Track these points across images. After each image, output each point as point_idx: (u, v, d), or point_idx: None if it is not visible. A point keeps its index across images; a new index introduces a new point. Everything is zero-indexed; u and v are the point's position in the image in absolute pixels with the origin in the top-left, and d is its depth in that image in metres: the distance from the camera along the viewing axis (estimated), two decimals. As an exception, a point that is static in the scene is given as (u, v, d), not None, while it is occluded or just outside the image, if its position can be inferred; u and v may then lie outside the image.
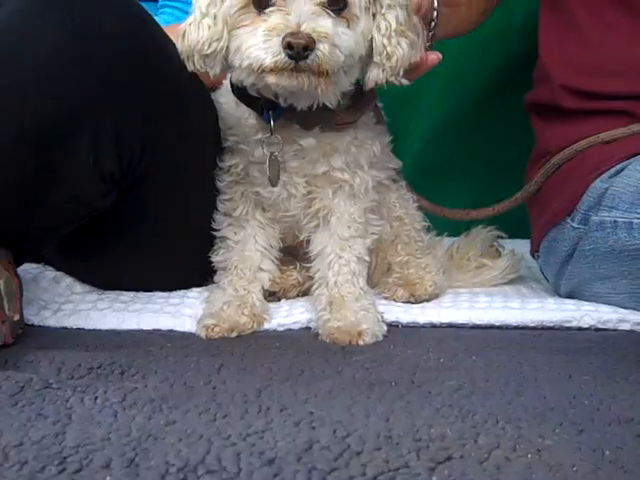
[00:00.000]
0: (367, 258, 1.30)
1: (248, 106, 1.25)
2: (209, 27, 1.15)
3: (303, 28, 1.07)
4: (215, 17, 1.15)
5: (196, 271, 1.36)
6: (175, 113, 1.21)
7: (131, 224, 1.27)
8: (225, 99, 1.29)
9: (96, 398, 0.88)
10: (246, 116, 1.26)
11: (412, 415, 0.84)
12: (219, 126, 1.28)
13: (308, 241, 1.32)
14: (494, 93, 2.00)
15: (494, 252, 1.60)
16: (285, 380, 0.98)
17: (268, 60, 1.08)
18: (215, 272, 1.34)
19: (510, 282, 1.56)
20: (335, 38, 1.09)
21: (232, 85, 1.27)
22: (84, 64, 1.06)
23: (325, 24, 1.09)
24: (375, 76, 1.19)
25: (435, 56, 1.22)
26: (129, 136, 1.14)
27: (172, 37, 1.20)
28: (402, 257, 1.42)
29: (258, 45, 1.09)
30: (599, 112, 1.39)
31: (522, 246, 1.61)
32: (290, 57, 1.07)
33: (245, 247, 1.31)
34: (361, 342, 1.18)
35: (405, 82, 1.20)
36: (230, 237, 1.31)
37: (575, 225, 1.35)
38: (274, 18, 1.09)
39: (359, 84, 1.25)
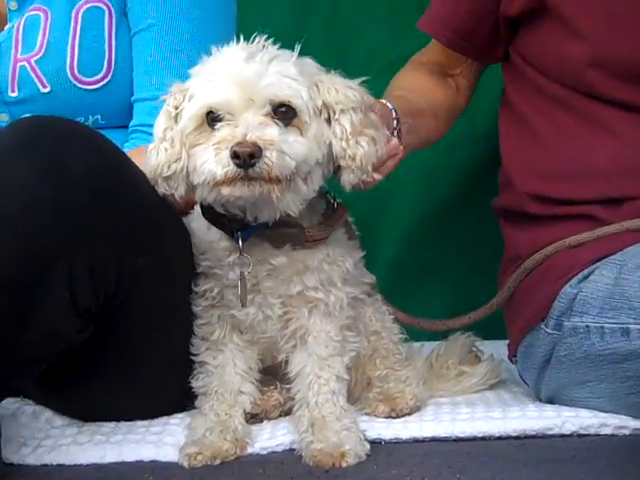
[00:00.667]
0: (346, 376, 1.31)
1: (218, 227, 1.28)
2: (166, 150, 1.21)
3: (249, 137, 1.12)
4: (172, 140, 1.21)
5: (176, 397, 1.36)
6: (149, 244, 1.23)
7: (108, 355, 1.27)
8: (197, 224, 1.32)
9: None
10: (218, 239, 1.29)
11: None
12: (192, 251, 1.30)
13: (287, 361, 1.32)
14: (464, 194, 2.05)
15: (473, 358, 1.61)
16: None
17: (219, 172, 1.13)
18: (196, 396, 1.33)
19: (491, 387, 1.56)
20: (283, 145, 1.14)
21: (202, 208, 1.30)
22: (57, 208, 1.08)
23: (271, 132, 1.14)
24: (348, 179, 1.23)
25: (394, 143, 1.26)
26: (103, 271, 1.16)
27: (138, 160, 1.25)
28: (381, 371, 1.42)
29: (210, 159, 1.14)
30: (563, 217, 1.43)
31: (500, 347, 1.61)
32: (238, 166, 1.12)
33: (224, 371, 1.31)
34: (344, 464, 1.17)
35: (378, 177, 1.24)
36: (209, 362, 1.32)
37: (549, 331, 1.37)
38: (223, 132, 1.14)
39: (328, 200, 1.30)
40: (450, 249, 2.04)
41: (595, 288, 1.32)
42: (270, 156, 1.12)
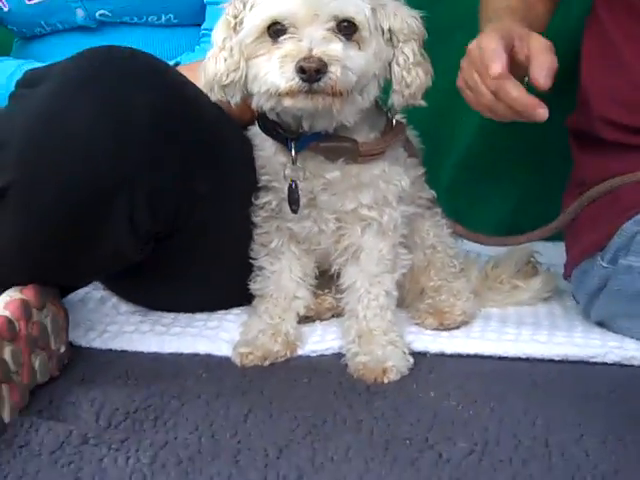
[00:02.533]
0: (395, 293, 1.35)
1: (272, 137, 1.30)
2: (225, 59, 1.22)
3: (315, 52, 1.13)
4: (232, 49, 1.22)
5: (235, 295, 1.42)
6: (211, 166, 1.26)
7: (173, 254, 1.33)
8: (257, 139, 1.34)
9: (128, 458, 0.95)
10: (274, 152, 1.31)
11: (419, 491, 0.90)
12: (254, 166, 1.33)
13: (339, 274, 1.37)
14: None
15: (531, 269, 1.62)
16: (307, 434, 1.04)
17: (283, 85, 1.14)
18: (253, 297, 1.40)
19: (544, 299, 1.59)
20: (346, 60, 1.15)
21: (258, 120, 1.32)
22: (117, 142, 1.11)
23: (336, 47, 1.14)
24: (397, 101, 1.26)
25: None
26: (165, 197, 1.20)
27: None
28: (434, 282, 1.46)
29: (274, 71, 1.15)
30: (636, 147, 1.39)
31: (563, 251, 1.60)
32: (304, 80, 1.13)
33: (281, 277, 1.37)
34: (386, 380, 1.23)
35: (422, 103, 1.27)
36: (267, 267, 1.37)
37: (604, 264, 1.36)
38: (287, 45, 1.15)
39: (387, 117, 1.31)
40: (520, 149, 1.99)
41: (656, 230, 1.30)
42: (335, 71, 1.13)
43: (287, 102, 1.17)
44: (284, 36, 1.16)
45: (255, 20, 1.19)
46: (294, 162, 1.28)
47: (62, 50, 1.30)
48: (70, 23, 1.52)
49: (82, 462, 0.95)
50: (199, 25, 1.50)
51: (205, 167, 1.25)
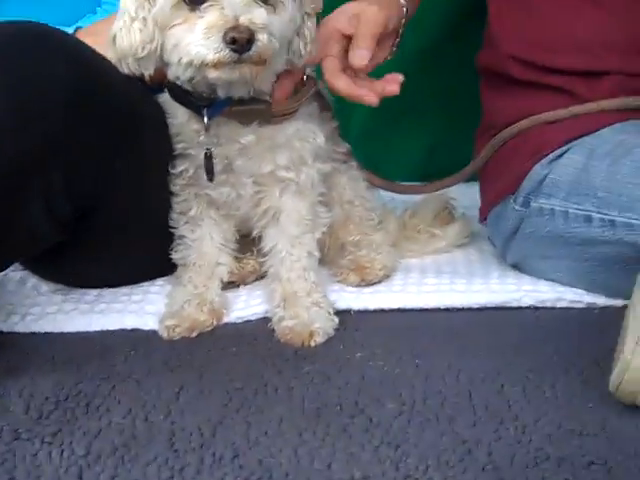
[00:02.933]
0: (316, 253, 1.36)
1: (184, 106, 1.28)
2: (140, 30, 1.19)
3: (241, 21, 1.11)
4: (145, 19, 1.18)
5: (157, 267, 1.42)
6: (127, 139, 1.24)
7: (91, 228, 1.31)
8: (169, 106, 1.32)
9: (62, 451, 0.96)
10: (187, 120, 1.29)
11: (352, 459, 0.94)
12: (169, 134, 1.31)
13: (260, 237, 1.37)
14: (450, 37, 1.99)
15: (447, 215, 1.65)
16: (240, 407, 1.06)
17: (210, 56, 1.13)
18: (176, 266, 1.39)
19: (460, 246, 1.63)
20: (270, 27, 1.14)
21: (167, 87, 1.29)
22: (26, 123, 1.07)
23: (260, 15, 1.13)
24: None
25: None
26: (82, 175, 1.18)
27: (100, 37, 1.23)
28: (354, 237, 1.48)
29: (198, 42, 1.13)
30: (544, 86, 1.41)
31: (477, 193, 1.64)
32: (234, 51, 1.12)
33: (202, 244, 1.37)
34: (313, 343, 1.25)
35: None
36: (187, 235, 1.37)
37: (517, 208, 1.40)
38: (211, 14, 1.12)
39: None
40: (431, 94, 2.01)
41: (564, 172, 1.34)
42: (263, 39, 1.13)
43: (212, 74, 1.15)
44: (204, 4, 1.13)
45: None
46: (207, 129, 1.27)
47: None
48: None
49: (15, 459, 0.94)
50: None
51: (121, 141, 1.23)
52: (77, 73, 1.13)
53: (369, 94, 1.31)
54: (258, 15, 1.13)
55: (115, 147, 1.22)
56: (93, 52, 1.22)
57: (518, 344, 1.25)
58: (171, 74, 1.23)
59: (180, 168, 1.33)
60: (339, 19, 1.34)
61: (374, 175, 1.52)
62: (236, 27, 1.11)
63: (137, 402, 1.08)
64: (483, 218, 1.57)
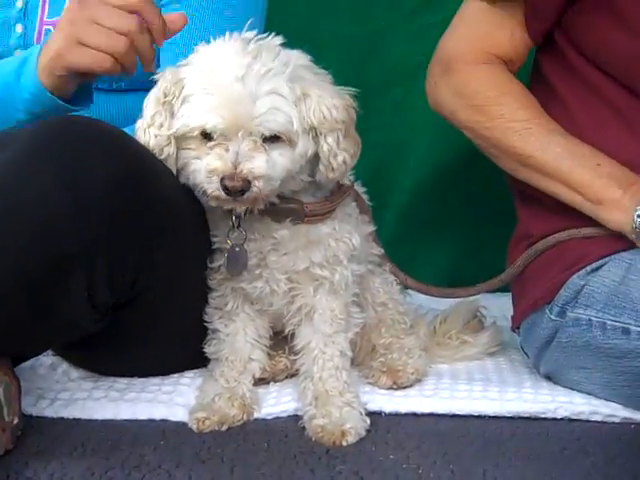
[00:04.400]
0: (349, 352, 1.36)
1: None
2: (156, 136, 1.24)
3: (239, 170, 1.17)
4: (161, 125, 1.24)
5: (189, 359, 1.42)
6: (169, 234, 1.27)
7: (126, 319, 1.31)
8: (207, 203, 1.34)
9: None
10: (223, 217, 1.32)
11: None
12: (208, 229, 1.34)
13: (293, 334, 1.37)
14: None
15: (477, 323, 1.65)
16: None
17: (209, 191, 1.20)
18: (207, 359, 1.39)
19: (491, 354, 1.62)
20: (270, 171, 1.19)
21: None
22: (75, 216, 1.11)
23: (260, 164, 1.18)
24: (321, 180, 1.29)
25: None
26: (121, 271, 1.20)
27: None
28: (386, 339, 1.48)
29: (201, 177, 1.21)
30: None
31: (507, 302, 1.62)
32: (228, 194, 1.18)
33: (235, 339, 1.37)
34: (344, 443, 1.23)
35: (346, 182, 1.35)
36: (221, 329, 1.37)
37: (553, 317, 1.40)
38: (214, 157, 1.18)
39: None
40: (461, 203, 2.04)
41: (602, 283, 1.34)
42: (259, 186, 1.18)
43: (213, 203, 1.23)
44: (212, 142, 1.19)
45: (185, 126, 1.21)
46: (234, 227, 1.30)
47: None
48: None
49: None
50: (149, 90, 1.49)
51: (163, 236, 1.25)
52: (121, 167, 1.17)
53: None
54: (258, 165, 1.18)
55: (157, 239, 1.25)
56: (138, 144, 1.25)
57: (554, 455, 1.22)
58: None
59: (218, 263, 1.34)
60: None
61: (409, 276, 1.53)
62: (232, 176, 1.17)
63: (166, 496, 1.06)
64: (516, 327, 1.56)
